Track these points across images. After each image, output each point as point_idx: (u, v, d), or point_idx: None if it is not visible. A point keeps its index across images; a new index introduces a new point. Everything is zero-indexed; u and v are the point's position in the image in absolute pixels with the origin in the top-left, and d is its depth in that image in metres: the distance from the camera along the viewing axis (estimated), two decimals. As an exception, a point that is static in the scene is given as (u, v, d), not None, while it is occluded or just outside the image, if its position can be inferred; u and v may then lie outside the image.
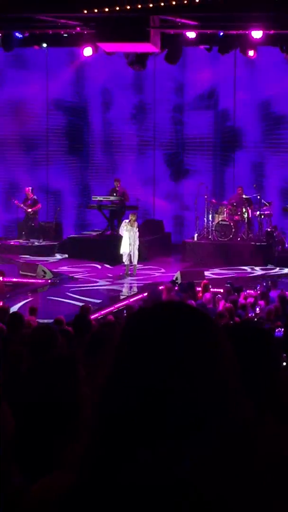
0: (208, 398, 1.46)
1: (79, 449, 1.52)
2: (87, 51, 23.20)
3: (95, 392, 1.54)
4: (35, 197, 26.47)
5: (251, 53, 22.15)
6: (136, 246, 22.68)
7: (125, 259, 22.69)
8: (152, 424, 1.43)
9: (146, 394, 1.44)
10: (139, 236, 22.86)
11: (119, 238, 23.10)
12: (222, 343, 1.53)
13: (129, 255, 22.61)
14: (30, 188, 26.52)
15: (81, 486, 1.47)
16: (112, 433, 1.45)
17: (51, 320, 13.19)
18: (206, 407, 1.45)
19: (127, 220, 22.97)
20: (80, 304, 16.86)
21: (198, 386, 1.46)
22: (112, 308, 18.17)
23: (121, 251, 22.71)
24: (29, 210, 26.19)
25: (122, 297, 19.94)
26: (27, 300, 19.07)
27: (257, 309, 16.37)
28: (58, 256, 25.31)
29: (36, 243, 25.98)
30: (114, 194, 25.06)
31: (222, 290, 18.49)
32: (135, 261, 22.70)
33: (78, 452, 1.52)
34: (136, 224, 22.79)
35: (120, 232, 22.99)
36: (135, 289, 20.91)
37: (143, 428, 1.43)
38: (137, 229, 22.86)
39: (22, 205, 26.26)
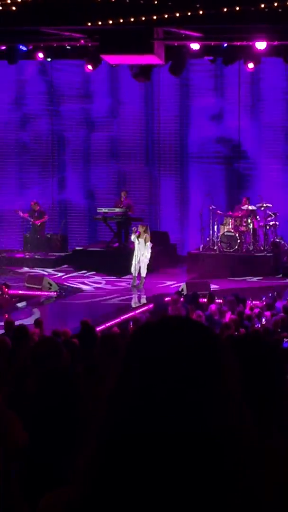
0: (213, 413, 1.46)
1: (82, 464, 1.52)
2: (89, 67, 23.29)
3: (99, 408, 1.53)
4: (41, 209, 26.53)
5: (250, 65, 22.24)
6: (144, 259, 22.57)
7: (132, 270, 22.65)
8: (158, 441, 1.43)
9: (153, 411, 1.44)
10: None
11: (127, 249, 23.14)
12: (227, 358, 1.53)
13: (138, 266, 22.56)
14: (35, 200, 26.59)
15: (86, 501, 1.47)
16: (118, 450, 1.45)
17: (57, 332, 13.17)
18: (210, 422, 1.45)
19: (134, 228, 22.97)
20: (85, 316, 16.84)
21: (204, 402, 1.46)
22: (118, 319, 18.16)
23: (132, 262, 22.70)
24: (37, 222, 26.25)
25: (129, 308, 19.91)
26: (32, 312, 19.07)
27: (263, 320, 16.35)
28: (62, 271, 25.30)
29: (37, 256, 25.96)
30: (119, 206, 25.09)
31: (221, 301, 18.46)
32: (143, 273, 22.65)
33: (82, 467, 1.52)
34: (145, 235, 22.65)
35: (133, 240, 22.94)
36: (142, 301, 20.90)
37: (149, 445, 1.43)
38: (148, 242, 22.67)
39: (28, 217, 26.30)
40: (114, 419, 1.47)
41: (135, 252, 22.58)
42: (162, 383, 1.45)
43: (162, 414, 1.44)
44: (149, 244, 22.69)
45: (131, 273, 22.75)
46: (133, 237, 22.83)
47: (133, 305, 20.39)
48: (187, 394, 1.45)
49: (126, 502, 1.42)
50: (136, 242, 22.63)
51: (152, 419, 1.43)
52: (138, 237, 22.58)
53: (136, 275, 22.62)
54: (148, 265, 22.64)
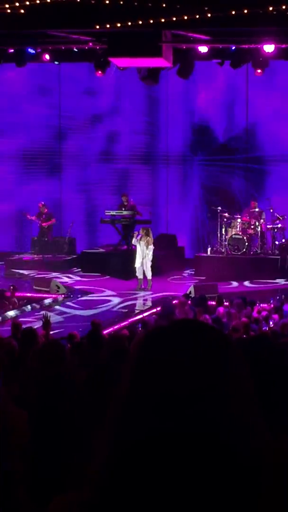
0: (231, 416, 1.46)
1: (93, 468, 1.52)
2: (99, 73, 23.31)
3: (110, 412, 1.53)
4: (49, 211, 26.57)
5: (258, 71, 22.25)
6: (147, 261, 22.61)
7: (137, 273, 22.69)
8: (173, 445, 1.43)
9: (169, 415, 1.44)
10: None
11: (134, 252, 23.15)
12: (240, 361, 1.53)
13: (142, 269, 22.62)
14: (43, 202, 26.64)
15: (99, 505, 1.47)
16: (133, 454, 1.44)
17: (65, 335, 13.19)
18: (227, 425, 1.45)
19: (136, 232, 23.01)
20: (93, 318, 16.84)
21: (221, 405, 1.46)
22: (126, 322, 18.15)
23: (135, 265, 22.75)
24: (44, 224, 26.29)
25: (136, 311, 19.89)
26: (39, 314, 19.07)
27: (271, 323, 16.32)
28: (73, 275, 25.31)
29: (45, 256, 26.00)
30: (124, 209, 25.11)
31: (227, 304, 18.45)
32: (148, 275, 22.68)
33: (93, 471, 1.51)
34: (147, 238, 22.70)
35: (134, 243, 23.01)
36: (149, 303, 20.88)
37: (162, 451, 1.42)
38: (151, 245, 22.73)
39: (36, 219, 26.35)
40: (129, 422, 1.47)
41: (138, 256, 22.61)
42: (179, 387, 1.45)
43: (179, 417, 1.43)
44: (151, 247, 22.72)
45: (136, 277, 22.79)
46: (134, 240, 22.88)
47: (141, 308, 20.36)
48: (204, 397, 1.45)
49: (140, 506, 1.42)
50: (138, 245, 22.66)
51: (169, 423, 1.43)
52: (140, 240, 22.61)
53: (142, 277, 22.64)
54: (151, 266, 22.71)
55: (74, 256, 26.41)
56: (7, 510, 3.69)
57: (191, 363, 1.48)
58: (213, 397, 1.45)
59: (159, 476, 1.42)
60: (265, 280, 23.22)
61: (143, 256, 22.58)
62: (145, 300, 21.48)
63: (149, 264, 22.65)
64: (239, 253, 24.26)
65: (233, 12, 18.44)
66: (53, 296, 21.48)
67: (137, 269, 22.67)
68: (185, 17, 18.78)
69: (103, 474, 1.48)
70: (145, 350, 1.53)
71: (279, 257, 23.99)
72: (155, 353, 1.51)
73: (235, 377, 1.50)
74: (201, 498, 1.41)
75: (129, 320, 18.42)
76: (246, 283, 23.10)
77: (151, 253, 22.70)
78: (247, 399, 1.50)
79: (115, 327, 17.40)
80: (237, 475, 1.44)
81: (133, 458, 1.44)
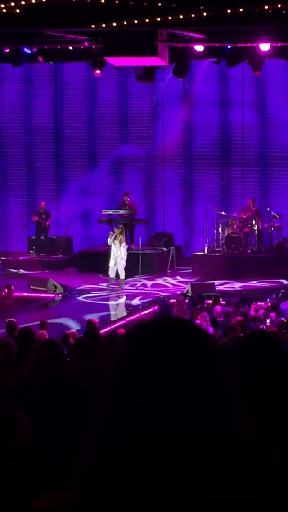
0: (212, 413, 1.45)
1: (82, 466, 1.51)
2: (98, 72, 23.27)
3: (97, 410, 1.52)
4: (48, 210, 26.59)
5: (257, 72, 22.27)
6: (120, 260, 22.56)
7: (110, 272, 22.69)
8: (158, 442, 1.42)
9: (150, 412, 1.43)
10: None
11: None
12: (223, 359, 1.53)
13: (116, 269, 22.62)
14: (44, 202, 26.68)
15: (86, 503, 1.47)
16: (118, 451, 1.44)
17: (61, 335, 13.19)
18: (209, 422, 1.44)
19: (111, 232, 22.99)
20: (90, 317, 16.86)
21: (202, 402, 1.45)
22: (124, 321, 18.16)
23: (109, 264, 22.78)
24: (47, 223, 26.35)
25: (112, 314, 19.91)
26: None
27: (268, 321, 16.34)
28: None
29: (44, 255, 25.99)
30: (124, 208, 25.12)
31: (224, 302, 18.48)
32: (121, 275, 22.66)
33: (82, 469, 1.51)
34: (121, 237, 22.69)
35: (109, 243, 22.98)
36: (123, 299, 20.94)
37: (150, 446, 1.42)
38: (124, 243, 22.75)
39: (39, 219, 26.35)
40: (113, 421, 1.46)
41: (111, 255, 22.62)
42: (159, 383, 1.44)
43: (160, 414, 1.42)
44: (124, 245, 22.72)
45: (108, 275, 22.82)
46: (109, 240, 22.86)
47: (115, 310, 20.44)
48: (185, 393, 1.44)
49: (127, 504, 1.42)
50: (113, 245, 22.67)
51: (151, 420, 1.42)
52: (114, 239, 22.62)
53: (114, 277, 22.63)
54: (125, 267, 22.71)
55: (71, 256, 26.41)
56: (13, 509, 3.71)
57: (172, 359, 1.47)
58: (197, 391, 1.45)
59: (144, 475, 1.41)
60: (262, 279, 23.22)
61: (117, 255, 22.57)
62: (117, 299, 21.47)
63: (122, 263, 22.60)
64: (235, 252, 24.25)
65: (229, 11, 18.44)
66: (51, 295, 21.48)
67: (110, 268, 22.68)
68: (181, 16, 18.78)
69: (87, 473, 1.48)
70: (127, 347, 1.53)
71: (276, 255, 23.98)
72: (137, 350, 1.50)
73: (218, 373, 1.49)
74: (185, 497, 1.41)
75: (126, 320, 18.43)
76: (243, 282, 23.09)
77: (124, 250, 22.67)
78: (232, 394, 1.50)
79: (112, 326, 17.41)
80: (222, 476, 1.43)
81: (119, 453, 1.43)
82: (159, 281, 23.55)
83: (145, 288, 22.41)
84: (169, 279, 23.87)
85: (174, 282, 23.53)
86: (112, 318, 19.15)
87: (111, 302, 21.22)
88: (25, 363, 7.86)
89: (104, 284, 22.90)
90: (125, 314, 19.71)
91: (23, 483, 3.95)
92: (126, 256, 22.66)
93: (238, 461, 1.45)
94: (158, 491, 1.40)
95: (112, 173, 28.45)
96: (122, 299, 21.41)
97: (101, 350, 9.25)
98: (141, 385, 1.45)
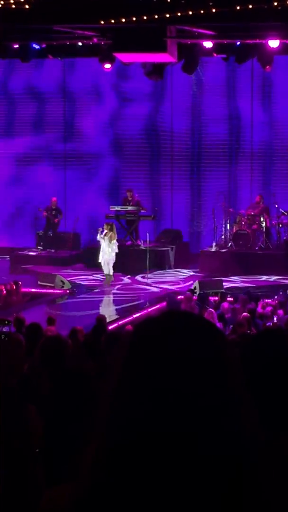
0: (221, 412, 1.44)
1: (88, 462, 1.50)
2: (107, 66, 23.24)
3: (101, 406, 1.51)
4: (59, 207, 26.58)
5: (268, 68, 22.23)
6: (109, 257, 22.55)
7: (104, 269, 22.66)
8: (161, 437, 1.41)
9: (159, 411, 1.42)
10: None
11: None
12: (233, 356, 1.52)
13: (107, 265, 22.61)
14: (55, 198, 26.66)
15: (91, 498, 1.46)
16: (125, 448, 1.44)
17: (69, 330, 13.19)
18: (218, 422, 1.43)
19: (100, 229, 22.95)
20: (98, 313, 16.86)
21: (213, 401, 1.44)
22: (131, 318, 18.13)
23: (99, 260, 22.76)
24: (55, 221, 26.31)
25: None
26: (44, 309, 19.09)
27: (275, 318, 16.31)
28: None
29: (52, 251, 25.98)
30: (127, 204, 25.08)
31: (232, 299, 18.45)
32: (110, 271, 22.64)
33: (87, 464, 1.50)
34: (111, 234, 22.65)
35: (99, 239, 22.95)
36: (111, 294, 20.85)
37: (153, 441, 1.41)
38: (114, 240, 22.68)
39: (48, 214, 26.33)
40: (121, 418, 1.45)
41: (101, 252, 22.59)
42: (169, 382, 1.43)
43: (169, 414, 1.41)
44: (114, 242, 22.69)
45: (102, 271, 22.82)
46: (98, 236, 22.83)
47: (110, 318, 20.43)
48: (196, 393, 1.43)
49: (132, 500, 1.41)
50: (102, 241, 22.64)
51: (160, 419, 1.41)
52: (104, 236, 22.60)
53: (108, 272, 22.61)
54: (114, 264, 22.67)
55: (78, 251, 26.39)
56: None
57: (180, 355, 1.45)
58: (208, 391, 1.44)
59: (149, 473, 1.40)
60: (269, 276, 23.19)
61: (106, 251, 22.55)
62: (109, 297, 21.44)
63: (112, 260, 22.57)
64: (243, 249, 24.23)
65: (238, 7, 18.43)
66: (58, 291, 21.49)
67: (102, 265, 22.66)
68: (190, 12, 18.76)
69: (92, 468, 1.47)
70: (134, 342, 1.51)
71: (284, 252, 23.96)
72: (147, 347, 1.48)
73: (228, 370, 1.48)
74: (189, 496, 1.40)
75: (134, 316, 18.40)
76: (250, 278, 23.06)
77: (114, 247, 22.65)
78: (239, 392, 1.48)
79: (120, 322, 17.39)
80: (230, 475, 1.42)
81: (127, 450, 1.43)
82: (167, 277, 23.55)
83: (152, 285, 22.39)
84: (174, 276, 23.85)
85: (179, 278, 23.52)
86: (111, 316, 19.13)
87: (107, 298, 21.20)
88: (33, 358, 7.88)
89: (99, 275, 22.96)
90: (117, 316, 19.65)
91: (32, 474, 3.97)
92: (114, 253, 22.59)
93: (246, 459, 1.45)
94: (164, 490, 1.40)
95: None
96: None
97: (104, 346, 9.27)
98: (146, 382, 1.43)
